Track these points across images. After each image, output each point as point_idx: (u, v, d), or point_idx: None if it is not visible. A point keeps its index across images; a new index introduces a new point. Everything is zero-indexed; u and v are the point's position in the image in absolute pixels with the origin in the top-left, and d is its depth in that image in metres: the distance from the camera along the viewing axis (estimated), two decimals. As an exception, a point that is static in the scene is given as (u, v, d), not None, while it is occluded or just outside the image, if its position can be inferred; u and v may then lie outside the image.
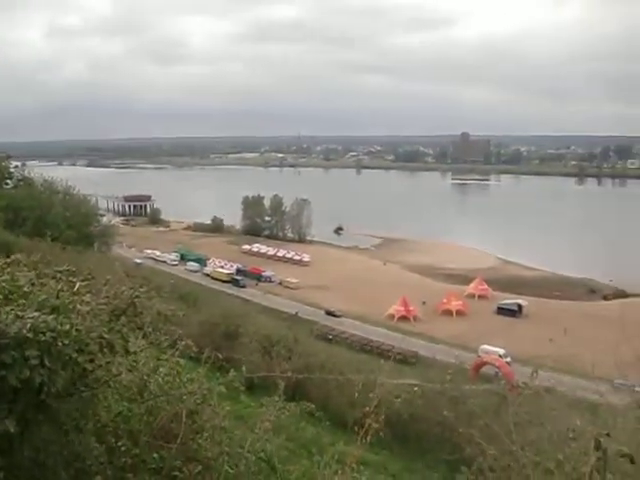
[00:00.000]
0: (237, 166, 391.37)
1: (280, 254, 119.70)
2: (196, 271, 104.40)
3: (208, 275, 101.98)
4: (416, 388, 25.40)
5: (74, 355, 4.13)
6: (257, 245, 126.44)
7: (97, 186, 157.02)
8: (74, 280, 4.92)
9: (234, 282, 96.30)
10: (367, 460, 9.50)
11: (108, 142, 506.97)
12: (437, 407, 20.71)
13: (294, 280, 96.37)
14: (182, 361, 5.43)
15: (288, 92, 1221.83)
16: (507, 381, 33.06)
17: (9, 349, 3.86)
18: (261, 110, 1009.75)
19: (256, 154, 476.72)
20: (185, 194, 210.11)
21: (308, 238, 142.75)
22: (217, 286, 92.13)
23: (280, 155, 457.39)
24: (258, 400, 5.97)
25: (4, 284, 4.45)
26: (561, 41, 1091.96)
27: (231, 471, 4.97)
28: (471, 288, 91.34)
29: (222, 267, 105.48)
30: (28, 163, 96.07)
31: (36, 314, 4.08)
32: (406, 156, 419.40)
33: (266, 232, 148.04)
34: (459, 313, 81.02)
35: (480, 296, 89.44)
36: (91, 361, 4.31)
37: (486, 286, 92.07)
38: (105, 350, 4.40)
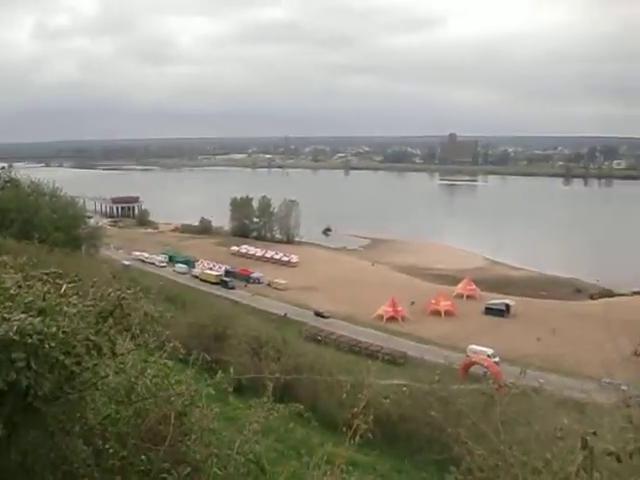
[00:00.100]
0: (225, 167, 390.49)
1: (268, 255, 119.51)
2: (184, 273, 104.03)
3: (197, 277, 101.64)
4: (405, 388, 25.50)
5: (61, 357, 4.11)
6: (245, 246, 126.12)
7: (84, 188, 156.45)
8: (61, 282, 4.90)
9: (223, 284, 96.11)
10: (356, 461, 9.50)
11: (95, 143, 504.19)
12: (426, 407, 20.74)
13: (283, 281, 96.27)
14: (170, 363, 5.41)
15: (276, 93, 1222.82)
16: (495, 381, 33.16)
17: (-5, 352, 3.84)
18: (249, 111, 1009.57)
19: (244, 155, 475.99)
20: (173, 195, 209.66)
21: (296, 239, 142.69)
22: (206, 288, 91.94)
23: (268, 156, 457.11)
24: (247, 401, 5.94)
25: (-10, 286, 4.42)
26: (549, 42, 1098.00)
27: (220, 473, 4.95)
28: (459, 288, 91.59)
29: (211, 269, 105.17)
30: (15, 165, 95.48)
31: (23, 316, 4.06)
32: (394, 157, 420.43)
33: (254, 233, 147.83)
34: (447, 313, 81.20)
35: (468, 296, 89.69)
36: (78, 363, 4.29)
37: (474, 286, 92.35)
38: (92, 352, 4.38)
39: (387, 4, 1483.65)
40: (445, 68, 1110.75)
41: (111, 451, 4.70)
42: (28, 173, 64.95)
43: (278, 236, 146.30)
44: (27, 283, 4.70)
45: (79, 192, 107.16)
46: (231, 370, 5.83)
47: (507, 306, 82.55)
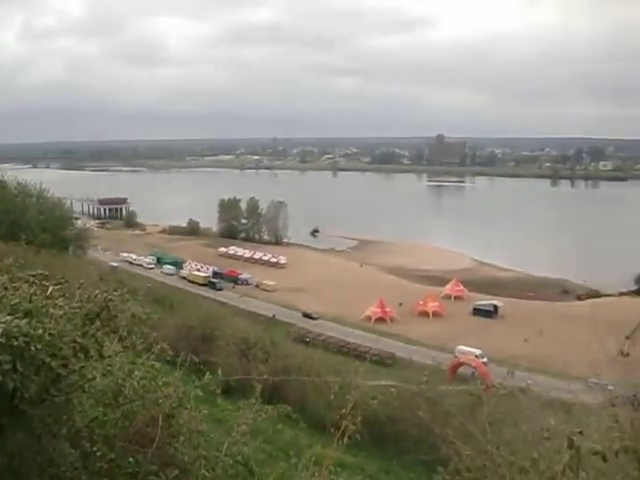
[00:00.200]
0: (213, 169, 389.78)
1: (257, 257, 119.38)
2: (172, 274, 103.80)
3: (184, 278, 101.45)
4: (393, 389, 25.57)
5: (47, 360, 4.09)
6: (233, 248, 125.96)
7: (72, 189, 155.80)
8: (48, 284, 4.87)
9: (211, 285, 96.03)
10: (344, 462, 9.51)
11: (83, 144, 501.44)
12: (414, 408, 20.77)
13: (271, 282, 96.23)
14: (158, 365, 5.38)
15: (264, 94, 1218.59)
16: (483, 381, 33.29)
17: (-19, 354, 3.82)
18: (237, 112, 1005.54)
19: (232, 156, 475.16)
20: (161, 197, 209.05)
21: (285, 240, 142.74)
22: (194, 289, 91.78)
23: (256, 157, 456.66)
24: (235, 403, 5.93)
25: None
26: (536, 43, 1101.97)
27: (208, 475, 4.94)
28: (447, 289, 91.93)
29: (198, 270, 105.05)
30: (1, 166, 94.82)
31: (8, 318, 4.03)
32: (382, 158, 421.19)
33: (242, 235, 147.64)
34: (435, 314, 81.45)
35: (456, 297, 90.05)
36: (65, 366, 4.27)
37: (462, 287, 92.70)
38: (79, 354, 4.36)
39: (377, 5, 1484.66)
40: (434, 69, 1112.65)
41: (98, 454, 4.68)
42: (15, 174, 64.54)
43: (266, 237, 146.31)
44: (13, 285, 4.67)
45: (66, 193, 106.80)
46: (219, 372, 5.82)
47: (495, 307, 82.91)
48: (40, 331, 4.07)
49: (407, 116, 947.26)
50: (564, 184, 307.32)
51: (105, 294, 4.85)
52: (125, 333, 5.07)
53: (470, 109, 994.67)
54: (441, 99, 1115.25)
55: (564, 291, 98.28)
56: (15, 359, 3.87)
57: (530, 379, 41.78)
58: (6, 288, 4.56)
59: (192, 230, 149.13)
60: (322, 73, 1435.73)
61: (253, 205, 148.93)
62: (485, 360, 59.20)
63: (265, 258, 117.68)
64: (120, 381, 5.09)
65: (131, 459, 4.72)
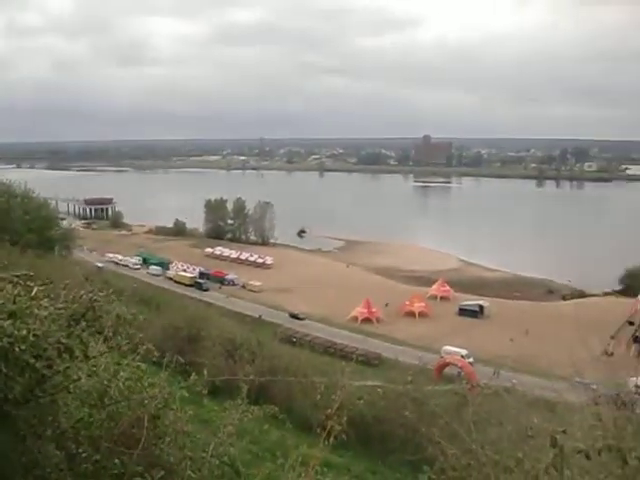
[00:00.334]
0: (199, 169, 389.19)
1: (243, 257, 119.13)
2: (159, 275, 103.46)
3: (171, 279, 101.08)
4: (379, 389, 25.59)
5: (32, 361, 4.07)
6: (220, 248, 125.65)
7: (57, 189, 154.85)
8: (32, 285, 4.84)
9: (197, 285, 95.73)
10: (331, 462, 9.52)
11: (68, 144, 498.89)
12: (400, 408, 20.80)
13: (257, 283, 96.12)
14: (144, 365, 5.36)
15: (251, 95, 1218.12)
16: (469, 381, 33.42)
17: (-36, 355, 3.80)
18: (223, 112, 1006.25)
19: (218, 157, 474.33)
20: (147, 197, 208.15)
21: (271, 241, 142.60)
22: (180, 290, 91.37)
23: (242, 158, 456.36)
24: (221, 404, 5.91)
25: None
26: (524, 43, 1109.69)
27: (194, 476, 4.93)
28: (433, 290, 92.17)
29: (185, 270, 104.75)
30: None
31: (-7, 319, 4.01)
32: (368, 159, 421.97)
33: (229, 235, 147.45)
34: (422, 314, 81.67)
35: (442, 297, 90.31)
36: (49, 367, 4.25)
37: (448, 287, 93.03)
38: (64, 355, 4.34)
39: (365, 5, 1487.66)
40: (420, 69, 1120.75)
41: (84, 455, 4.65)
42: (-1, 174, 64.17)
43: (253, 238, 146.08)
44: (-3, 286, 4.64)
45: (52, 193, 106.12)
46: (205, 372, 5.80)
47: (481, 307, 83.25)
48: (24, 332, 4.05)
49: (394, 116, 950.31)
50: (549, 185, 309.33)
51: (90, 295, 4.83)
52: (111, 334, 5.05)
53: (457, 109, 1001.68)
54: (428, 99, 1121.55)
55: (549, 291, 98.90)
56: (-1, 360, 3.85)
57: (515, 379, 42.09)
58: (-10, 289, 4.53)
59: (178, 231, 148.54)
60: (309, 74, 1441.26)
61: (240, 206, 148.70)
62: (471, 360, 59.41)
63: (252, 259, 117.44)
64: (105, 382, 5.06)
65: (117, 460, 4.70)
